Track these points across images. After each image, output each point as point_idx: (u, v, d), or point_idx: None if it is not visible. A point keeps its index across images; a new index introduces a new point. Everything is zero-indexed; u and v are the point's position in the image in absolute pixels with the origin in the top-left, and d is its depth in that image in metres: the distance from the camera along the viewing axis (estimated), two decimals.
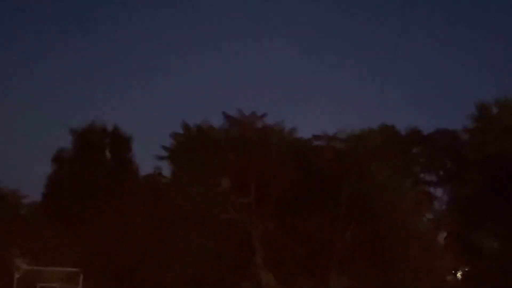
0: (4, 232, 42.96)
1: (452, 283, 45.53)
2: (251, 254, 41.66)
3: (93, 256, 41.69)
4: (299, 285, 41.00)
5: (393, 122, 49.38)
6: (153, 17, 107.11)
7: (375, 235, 40.49)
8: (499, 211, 40.67)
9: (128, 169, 46.77)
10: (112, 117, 69.18)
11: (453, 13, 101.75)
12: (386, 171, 41.55)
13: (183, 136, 46.88)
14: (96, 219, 41.74)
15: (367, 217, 40.87)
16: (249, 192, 42.66)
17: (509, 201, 40.28)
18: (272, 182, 42.37)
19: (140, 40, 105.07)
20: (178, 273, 40.86)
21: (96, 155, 46.50)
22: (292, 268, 41.25)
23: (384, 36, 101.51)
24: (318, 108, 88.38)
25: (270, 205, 42.31)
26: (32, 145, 77.85)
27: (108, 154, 47.49)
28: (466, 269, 45.71)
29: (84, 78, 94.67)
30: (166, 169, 48.06)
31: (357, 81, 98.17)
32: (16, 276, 40.63)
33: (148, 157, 48.33)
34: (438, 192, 48.50)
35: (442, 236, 47.57)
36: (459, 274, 46.25)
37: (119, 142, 47.16)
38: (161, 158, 46.96)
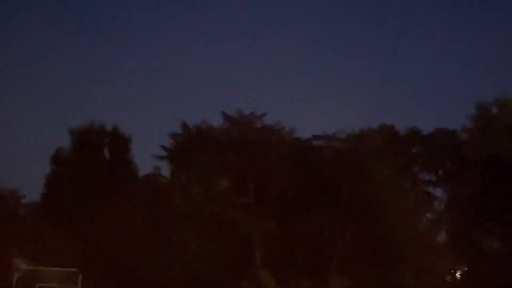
0: (3, 232, 42.91)
1: (452, 283, 45.53)
2: (250, 254, 41.62)
3: (92, 256, 41.64)
4: (298, 285, 40.97)
5: (392, 122, 49.44)
6: (153, 17, 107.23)
7: (375, 235, 40.47)
8: (498, 211, 40.65)
9: (127, 169, 46.71)
10: (111, 117, 69.23)
11: (452, 13, 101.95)
12: (385, 171, 41.53)
13: (182, 136, 46.83)
14: (95, 219, 41.70)
15: (367, 217, 40.84)
16: (248, 192, 42.64)
17: (508, 201, 40.27)
18: (271, 182, 42.36)
19: (139, 40, 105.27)
20: (177, 273, 40.81)
21: (95, 155, 46.44)
22: (292, 268, 41.22)
23: (384, 36, 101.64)
24: (317, 108, 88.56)
25: (269, 205, 42.28)
26: (31, 145, 77.81)
27: (107, 154, 47.44)
28: (465, 269, 45.70)
29: (83, 78, 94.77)
30: (165, 169, 48.09)
31: (356, 81, 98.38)
32: (15, 276, 40.59)
33: (147, 157, 48.29)
34: (438, 192, 48.54)
35: (441, 236, 47.58)
36: (458, 274, 46.25)
37: (118, 142, 47.10)
38: (160, 158, 46.94)
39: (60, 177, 45.49)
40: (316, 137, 46.37)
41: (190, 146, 45.55)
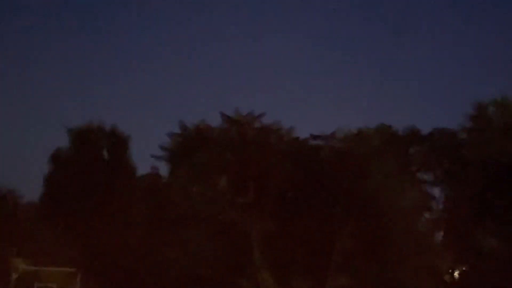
0: (2, 232, 42.92)
1: (450, 282, 45.57)
2: (249, 254, 41.62)
3: (91, 256, 41.69)
4: (297, 284, 40.99)
5: (391, 122, 49.37)
6: (152, 17, 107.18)
7: (374, 235, 40.49)
8: (497, 211, 40.71)
9: (126, 169, 46.73)
10: (110, 117, 69.24)
11: (451, 13, 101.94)
12: (384, 171, 41.53)
13: (181, 136, 46.84)
14: (94, 219, 41.74)
15: (366, 217, 40.87)
16: (247, 192, 42.65)
17: (507, 201, 40.34)
18: (270, 181, 42.37)
19: (138, 40, 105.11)
20: (176, 273, 40.82)
21: (93, 155, 46.46)
22: (291, 268, 41.24)
23: (383, 36, 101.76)
24: (316, 107, 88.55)
25: (268, 204, 42.29)
26: (30, 145, 77.70)
27: (105, 154, 47.45)
28: (464, 268, 45.75)
29: (82, 78, 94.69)
30: (164, 169, 48.11)
31: (355, 81, 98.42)
32: (14, 276, 40.62)
33: (146, 157, 48.29)
34: (436, 191, 48.56)
35: (440, 236, 47.61)
36: (456, 274, 46.30)
37: (117, 142, 47.13)
38: (159, 158, 46.95)
39: (59, 177, 45.49)
40: (314, 136, 46.36)
41: (188, 146, 45.55)
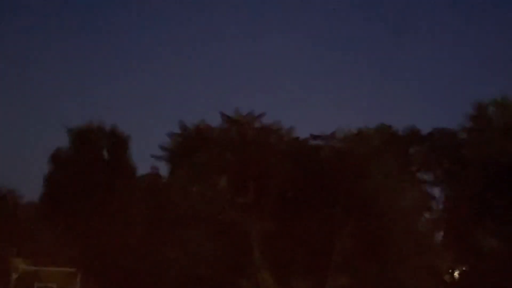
0: (2, 232, 42.93)
1: (450, 282, 45.59)
2: (249, 254, 41.62)
3: (91, 256, 41.70)
4: (297, 284, 40.99)
5: (391, 122, 49.42)
6: (152, 17, 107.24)
7: (374, 235, 40.49)
8: (497, 211, 40.72)
9: (126, 169, 46.72)
10: (110, 117, 69.22)
11: (451, 13, 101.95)
12: (384, 171, 41.53)
13: (181, 136, 46.84)
14: (94, 219, 41.74)
15: (366, 217, 40.88)
16: (247, 192, 42.65)
17: (507, 201, 40.34)
18: (270, 182, 42.37)
19: (138, 40, 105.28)
20: (176, 273, 40.82)
21: (93, 155, 46.45)
22: (291, 268, 41.24)
23: (383, 36, 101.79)
24: (316, 107, 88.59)
25: (268, 204, 42.29)
26: (30, 145, 77.77)
27: (105, 154, 47.44)
28: (464, 268, 45.76)
29: (82, 78, 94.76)
30: (164, 169, 48.11)
31: (355, 81, 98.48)
32: (14, 276, 40.63)
33: (146, 157, 48.30)
34: (436, 191, 48.58)
35: (440, 236, 47.62)
36: (456, 274, 46.31)
37: (117, 142, 47.12)
38: (159, 158, 46.95)
39: (59, 177, 45.47)
40: (314, 136, 46.37)
41: (188, 146, 45.55)
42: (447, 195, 47.34)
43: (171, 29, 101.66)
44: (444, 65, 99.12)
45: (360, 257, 40.63)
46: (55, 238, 43.05)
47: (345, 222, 41.41)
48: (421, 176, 48.29)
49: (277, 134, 45.59)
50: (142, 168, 48.67)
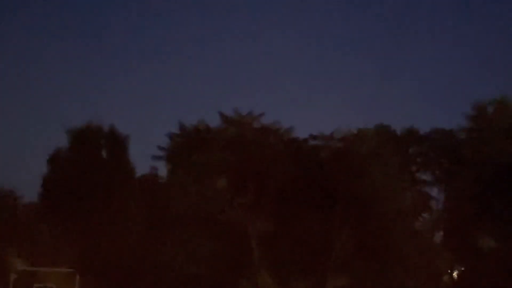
0: (1, 232, 42.87)
1: (449, 282, 45.63)
2: (249, 254, 41.64)
3: (90, 256, 41.63)
4: (297, 285, 41.01)
5: (390, 122, 49.57)
6: (150, 17, 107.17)
7: (372, 235, 40.52)
8: (496, 211, 40.77)
9: (125, 169, 46.63)
10: (109, 117, 69.05)
11: (450, 13, 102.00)
12: (383, 171, 41.56)
13: (180, 136, 46.83)
14: (93, 219, 41.69)
15: (364, 217, 40.88)
16: (246, 192, 42.63)
17: (506, 201, 40.39)
18: (269, 182, 42.36)
19: (137, 40, 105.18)
20: (175, 273, 40.81)
21: (92, 155, 46.35)
22: (290, 268, 41.25)
23: (382, 36, 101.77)
24: (315, 107, 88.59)
25: (267, 204, 42.30)
26: (29, 145, 77.63)
27: (104, 154, 47.37)
28: (463, 269, 45.80)
29: (81, 78, 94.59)
30: (163, 169, 48.10)
31: (354, 81, 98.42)
32: (13, 276, 40.55)
33: (145, 157, 48.27)
34: (435, 191, 48.66)
35: (439, 236, 47.68)
36: (455, 274, 46.36)
37: (116, 142, 47.04)
38: (157, 158, 46.96)
39: (58, 177, 45.40)
40: (313, 137, 46.38)
41: (188, 146, 45.55)
42: (446, 195, 47.44)
43: (170, 29, 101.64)
44: (443, 65, 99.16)
45: (359, 257, 40.65)
46: (54, 238, 42.97)
47: (345, 222, 41.41)
48: (421, 176, 48.40)
49: (276, 134, 45.59)
50: (141, 168, 48.70)
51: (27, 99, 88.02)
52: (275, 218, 42.01)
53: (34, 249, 42.63)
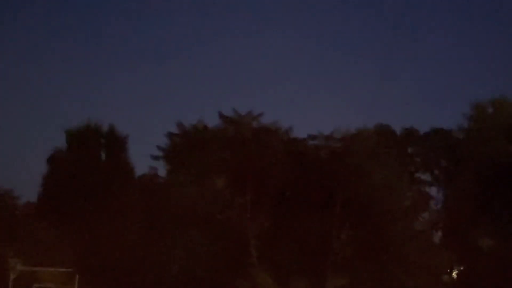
0: (0, 232, 42.83)
1: (449, 282, 45.64)
2: (248, 254, 41.64)
3: (89, 256, 41.60)
4: (295, 284, 40.99)
5: (389, 122, 49.62)
6: (149, 17, 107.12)
7: (371, 234, 40.56)
8: (495, 210, 40.80)
9: (124, 169, 46.66)
10: (108, 117, 69.02)
11: (448, 13, 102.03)
12: (382, 171, 41.57)
13: (179, 136, 46.81)
14: (92, 219, 41.69)
15: (363, 217, 40.91)
16: (245, 191, 42.64)
17: (505, 200, 40.42)
18: (269, 181, 42.38)
19: (136, 40, 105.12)
20: (174, 273, 40.82)
21: (91, 155, 46.38)
22: (288, 267, 41.24)
23: (381, 36, 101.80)
24: (314, 107, 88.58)
25: (266, 204, 42.32)
26: (28, 145, 77.60)
27: (103, 154, 47.38)
28: (462, 268, 45.82)
29: (80, 79, 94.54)
30: (162, 169, 48.08)
31: (353, 81, 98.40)
32: (12, 276, 40.50)
33: (144, 157, 48.28)
34: (434, 191, 48.70)
35: (438, 235, 47.71)
36: (454, 273, 46.38)
37: (115, 142, 47.07)
38: (156, 158, 46.93)
39: (57, 178, 45.42)
40: (312, 137, 46.38)
41: (186, 146, 45.54)
42: (446, 195, 47.48)
43: (169, 29, 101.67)
44: (443, 65, 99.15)
45: (358, 256, 40.69)
46: (53, 238, 42.91)
47: (344, 222, 41.47)
48: (420, 176, 48.44)
49: (275, 134, 45.54)
50: (140, 168, 48.72)
51: (26, 99, 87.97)
52: (274, 218, 42.05)
53: (33, 249, 42.53)
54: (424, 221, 47.53)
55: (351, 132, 45.10)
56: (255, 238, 42.08)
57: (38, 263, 41.51)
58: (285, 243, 41.32)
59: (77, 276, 40.61)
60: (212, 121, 46.27)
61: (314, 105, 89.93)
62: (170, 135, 46.81)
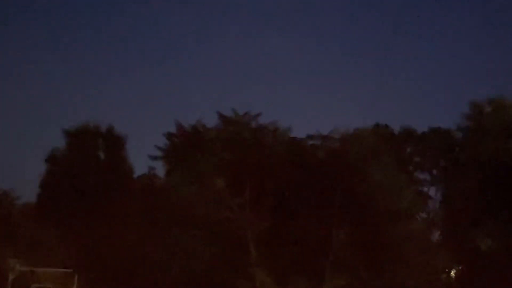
0: None
1: (447, 281, 45.70)
2: (247, 254, 41.63)
3: (88, 257, 41.62)
4: (294, 284, 40.99)
5: (387, 122, 49.62)
6: (148, 17, 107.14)
7: (370, 234, 40.54)
8: (493, 210, 40.82)
9: (122, 170, 46.68)
10: (106, 117, 69.05)
11: (447, 13, 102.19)
12: (380, 170, 41.58)
13: (178, 136, 46.78)
14: (91, 219, 41.68)
15: (362, 216, 40.91)
16: (243, 191, 42.61)
17: (503, 200, 40.45)
18: (266, 181, 42.37)
19: (135, 40, 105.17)
20: (173, 273, 40.82)
21: (90, 155, 46.39)
22: (287, 268, 41.24)
23: (378, 36, 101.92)
24: (312, 107, 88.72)
25: (265, 204, 42.29)
26: (27, 146, 77.65)
27: (102, 154, 47.38)
28: (460, 268, 45.87)
29: (79, 79, 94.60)
30: (160, 169, 48.06)
31: (351, 81, 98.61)
32: (11, 277, 40.53)
33: (143, 157, 48.27)
34: (432, 191, 48.74)
35: (436, 235, 47.76)
36: (453, 273, 46.43)
37: (113, 142, 47.07)
38: (155, 158, 46.90)
39: (55, 178, 45.42)
40: (310, 137, 46.38)
41: (185, 146, 45.51)
42: (444, 194, 47.51)
43: (169, 29, 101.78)
44: (440, 65, 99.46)
45: (357, 256, 40.70)
46: (52, 238, 42.97)
47: (343, 221, 41.46)
48: (418, 176, 48.46)
49: (274, 134, 45.54)
50: (139, 168, 48.69)
51: (25, 99, 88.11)
52: (273, 218, 42.01)
53: (32, 250, 42.60)
54: (423, 221, 47.58)
55: (350, 132, 45.14)
56: (254, 238, 42.06)
57: (37, 264, 41.55)
58: (285, 243, 41.33)
59: (76, 276, 40.67)
60: (211, 121, 46.33)
61: (313, 105, 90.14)
62: (169, 135, 46.79)
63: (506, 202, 40.43)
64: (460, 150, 45.10)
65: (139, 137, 59.49)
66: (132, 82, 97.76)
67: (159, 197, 43.79)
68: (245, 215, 42.22)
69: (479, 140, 42.96)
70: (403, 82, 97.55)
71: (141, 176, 48.50)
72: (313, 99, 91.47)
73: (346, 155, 42.58)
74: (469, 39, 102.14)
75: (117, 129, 47.46)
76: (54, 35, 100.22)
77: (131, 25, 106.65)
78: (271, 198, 42.38)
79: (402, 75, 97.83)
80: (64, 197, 43.37)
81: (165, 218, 42.13)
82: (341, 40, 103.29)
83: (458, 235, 42.80)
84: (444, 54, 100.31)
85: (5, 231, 43.59)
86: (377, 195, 40.71)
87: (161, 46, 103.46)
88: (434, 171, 48.36)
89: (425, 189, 48.72)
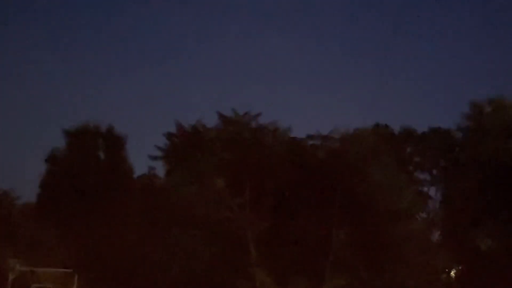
0: None
1: (447, 281, 45.71)
2: (247, 254, 41.64)
3: (88, 257, 41.62)
4: (294, 284, 41.00)
5: (387, 122, 49.63)
6: (148, 17, 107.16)
7: (370, 234, 40.54)
8: (493, 210, 40.82)
9: (122, 170, 46.69)
10: (106, 117, 69.09)
11: (446, 13, 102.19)
12: (380, 170, 41.58)
13: (178, 136, 46.78)
14: (91, 219, 41.68)
15: (362, 216, 40.91)
16: (243, 191, 42.62)
17: (503, 200, 40.45)
18: (266, 181, 42.37)
19: (134, 40, 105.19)
20: (173, 273, 40.81)
21: (90, 155, 46.39)
22: (287, 268, 41.24)
23: (378, 36, 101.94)
24: (312, 107, 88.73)
25: (265, 204, 42.28)
26: (27, 146, 77.67)
27: (102, 154, 47.38)
28: (460, 268, 45.87)
29: (79, 79, 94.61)
30: (160, 169, 48.07)
31: (351, 81, 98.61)
32: (11, 277, 40.54)
33: (143, 158, 48.28)
34: (432, 191, 48.73)
35: (436, 235, 47.76)
36: (453, 273, 46.44)
37: (113, 142, 47.07)
38: (155, 158, 46.91)
39: (55, 178, 45.43)
40: (310, 137, 46.38)
41: (185, 146, 45.52)
42: (444, 194, 47.51)
43: (168, 29, 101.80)
44: (440, 65, 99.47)
45: (357, 256, 40.70)
46: (52, 238, 42.98)
47: (343, 221, 41.47)
48: (418, 176, 48.46)
49: (274, 134, 45.55)
50: (139, 168, 48.70)
51: (25, 99, 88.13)
52: (273, 218, 42.01)
53: (32, 250, 42.61)
54: (423, 221, 47.58)
55: (350, 132, 45.14)
56: (254, 238, 42.06)
57: (37, 264, 41.57)
58: (285, 243, 41.33)
59: (76, 276, 40.68)
60: (211, 121, 46.34)
61: (313, 105, 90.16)
62: (169, 135, 46.80)
63: (506, 202, 40.43)
64: (460, 150, 45.09)
65: (139, 137, 59.54)
66: (132, 82, 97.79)
67: (159, 197, 43.79)
68: (245, 215, 42.21)
69: (479, 140, 42.96)
70: (403, 82, 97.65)
71: (141, 176, 48.50)
72: (313, 99, 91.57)
73: (346, 155, 42.58)
74: (469, 39, 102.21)
75: (117, 129, 47.52)
76: (54, 35, 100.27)
77: (131, 25, 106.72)
78: (271, 198, 42.38)
79: (402, 75, 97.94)
80: (64, 197, 43.38)
81: (165, 218, 42.13)
82: (341, 40, 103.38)
83: (458, 235, 42.80)
84: (444, 54, 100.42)
85: (5, 231, 43.59)
86: (377, 195, 40.71)
87: (161, 46, 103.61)
88: (434, 171, 48.36)
89: (425, 189, 48.76)
